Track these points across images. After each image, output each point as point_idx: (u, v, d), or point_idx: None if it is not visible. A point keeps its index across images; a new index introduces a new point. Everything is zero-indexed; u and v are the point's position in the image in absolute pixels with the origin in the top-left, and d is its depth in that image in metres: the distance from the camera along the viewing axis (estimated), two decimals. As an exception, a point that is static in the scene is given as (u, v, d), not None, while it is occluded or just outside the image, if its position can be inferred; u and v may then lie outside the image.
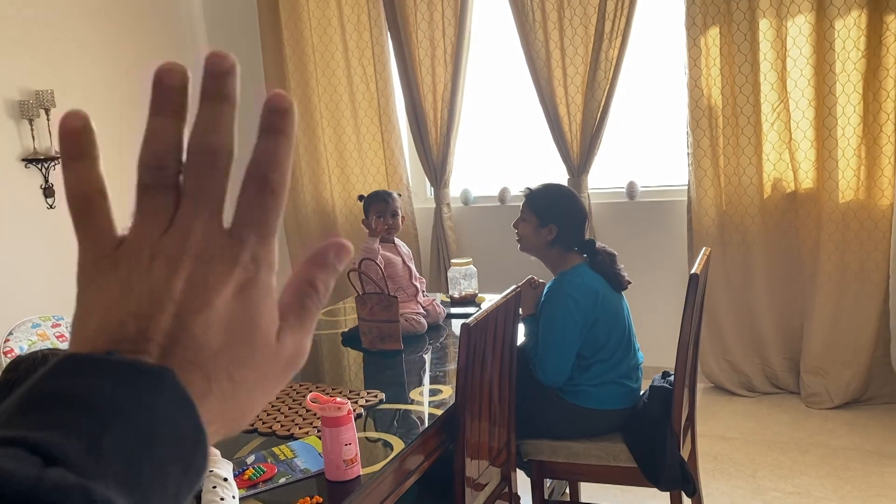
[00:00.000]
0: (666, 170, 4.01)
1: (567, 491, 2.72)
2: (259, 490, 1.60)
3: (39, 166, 3.80)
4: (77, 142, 0.35)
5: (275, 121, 0.35)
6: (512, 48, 4.04)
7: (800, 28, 3.49)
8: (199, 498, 1.50)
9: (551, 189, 2.37)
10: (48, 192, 3.85)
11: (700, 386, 3.96)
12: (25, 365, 1.47)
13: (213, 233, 0.35)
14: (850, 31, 3.39)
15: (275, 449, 1.77)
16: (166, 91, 0.35)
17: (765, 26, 3.55)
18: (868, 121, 3.44)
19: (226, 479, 1.54)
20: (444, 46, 4.15)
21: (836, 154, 3.49)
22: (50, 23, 3.87)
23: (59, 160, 3.72)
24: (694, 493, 2.26)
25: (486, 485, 2.15)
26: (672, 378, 2.31)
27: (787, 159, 3.65)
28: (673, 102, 3.88)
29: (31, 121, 3.73)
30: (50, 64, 3.87)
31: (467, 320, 1.88)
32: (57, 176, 3.85)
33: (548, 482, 2.55)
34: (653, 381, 2.41)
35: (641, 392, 2.42)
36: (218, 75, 0.34)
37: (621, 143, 4.07)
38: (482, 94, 4.31)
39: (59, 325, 2.58)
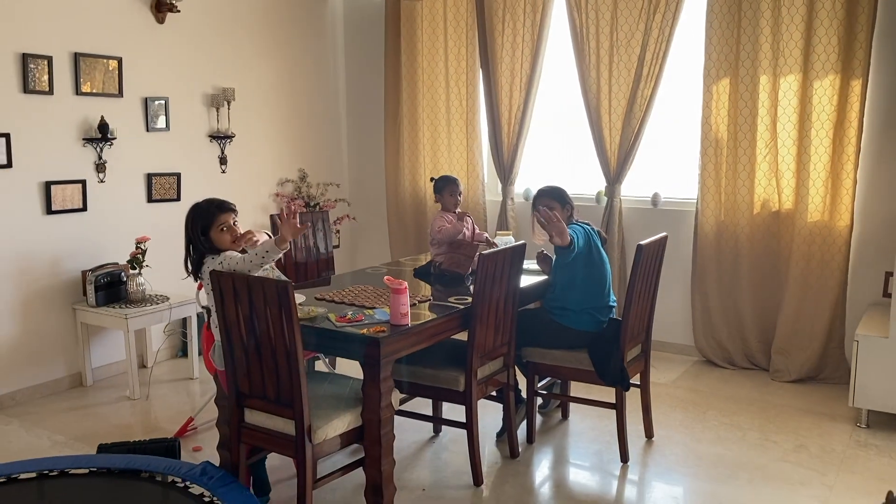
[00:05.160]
0: (682, 185, 5.10)
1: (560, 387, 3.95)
2: (354, 323, 2.90)
3: (220, 142, 5.31)
4: None
5: None
6: (571, 81, 5.25)
7: (790, 84, 4.52)
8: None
9: (557, 187, 3.58)
10: (223, 160, 5.36)
11: (692, 359, 5.05)
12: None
13: None
14: (825, 90, 4.40)
15: (364, 310, 3.08)
16: None
17: (763, 80, 4.60)
18: (835, 161, 4.43)
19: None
20: (520, 77, 5.39)
21: (809, 184, 4.49)
22: (233, 35, 5.39)
23: (231, 139, 5.23)
24: (628, 388, 3.40)
25: (484, 370, 3.38)
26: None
27: (773, 185, 4.67)
28: (689, 133, 4.97)
29: (217, 108, 5.25)
30: (233, 68, 5.39)
31: (484, 252, 3.12)
32: (231, 149, 5.35)
33: (546, 380, 3.78)
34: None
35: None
36: None
37: (650, 162, 5.19)
38: (546, 115, 5.54)
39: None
